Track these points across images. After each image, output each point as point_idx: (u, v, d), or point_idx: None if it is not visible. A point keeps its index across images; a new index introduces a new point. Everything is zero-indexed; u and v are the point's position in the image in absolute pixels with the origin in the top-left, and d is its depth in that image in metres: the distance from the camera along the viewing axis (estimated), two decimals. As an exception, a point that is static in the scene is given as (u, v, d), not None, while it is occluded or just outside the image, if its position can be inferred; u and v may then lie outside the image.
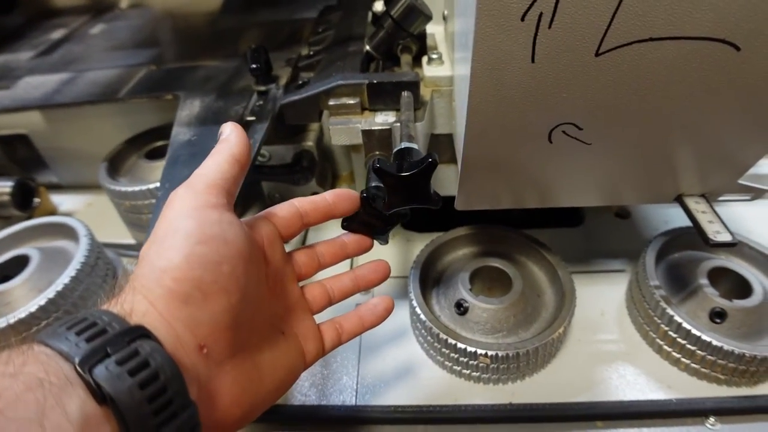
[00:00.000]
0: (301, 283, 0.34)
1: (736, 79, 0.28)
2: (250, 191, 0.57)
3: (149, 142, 0.57)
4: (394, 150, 0.32)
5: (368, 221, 0.35)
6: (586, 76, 0.27)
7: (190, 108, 0.46)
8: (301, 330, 0.33)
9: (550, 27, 0.25)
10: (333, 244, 0.35)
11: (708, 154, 0.33)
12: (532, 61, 0.26)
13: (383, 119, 0.39)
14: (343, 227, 0.36)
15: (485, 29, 0.25)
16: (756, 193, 0.40)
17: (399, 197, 0.31)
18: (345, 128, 0.39)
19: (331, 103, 0.39)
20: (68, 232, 0.48)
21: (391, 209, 0.32)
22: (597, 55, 0.26)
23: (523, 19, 0.25)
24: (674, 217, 0.55)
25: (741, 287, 0.44)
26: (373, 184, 0.33)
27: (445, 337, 0.39)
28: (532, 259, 0.46)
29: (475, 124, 0.30)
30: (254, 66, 0.43)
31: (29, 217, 0.59)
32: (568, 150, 0.32)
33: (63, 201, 0.67)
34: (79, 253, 0.44)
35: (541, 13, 0.24)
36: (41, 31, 0.75)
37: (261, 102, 0.46)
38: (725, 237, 0.35)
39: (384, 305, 0.35)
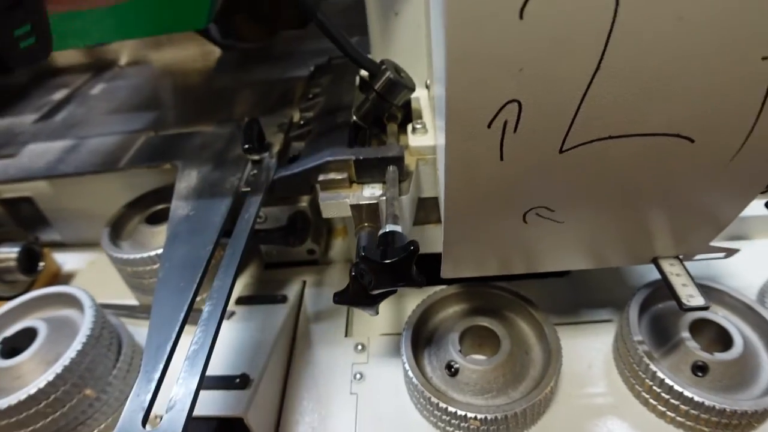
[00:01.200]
0: None
1: (693, 165, 0.30)
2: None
3: (150, 206, 0.59)
4: (379, 233, 0.35)
5: (358, 295, 0.37)
6: (553, 170, 0.29)
7: (187, 180, 0.49)
8: None
9: (515, 131, 0.27)
10: None
11: (675, 225, 0.35)
12: (501, 159, 0.29)
13: (370, 193, 0.41)
14: (335, 301, 0.38)
15: (455, 135, 0.27)
16: (728, 252, 0.42)
17: (384, 280, 0.33)
18: (335, 203, 0.41)
19: (321, 178, 0.42)
20: (73, 302, 0.50)
21: (377, 290, 0.34)
22: (561, 152, 0.29)
23: (489, 126, 0.27)
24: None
25: (723, 338, 0.45)
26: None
27: (436, 400, 0.40)
28: (520, 315, 0.48)
29: (452, 210, 0.33)
30: (247, 146, 0.45)
31: (34, 281, 0.62)
32: (543, 228, 0.34)
33: (66, 260, 0.69)
34: (85, 326, 0.46)
35: (506, 121, 0.27)
36: (44, 91, 0.79)
37: (255, 171, 0.48)
38: (698, 301, 0.37)
39: None
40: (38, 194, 0.64)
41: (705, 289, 0.48)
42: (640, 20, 0.23)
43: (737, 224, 0.60)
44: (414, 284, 0.33)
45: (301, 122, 0.52)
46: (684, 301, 0.37)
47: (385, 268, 0.32)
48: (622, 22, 0.23)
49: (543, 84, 0.25)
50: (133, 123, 0.62)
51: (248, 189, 0.46)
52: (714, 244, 0.40)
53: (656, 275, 0.50)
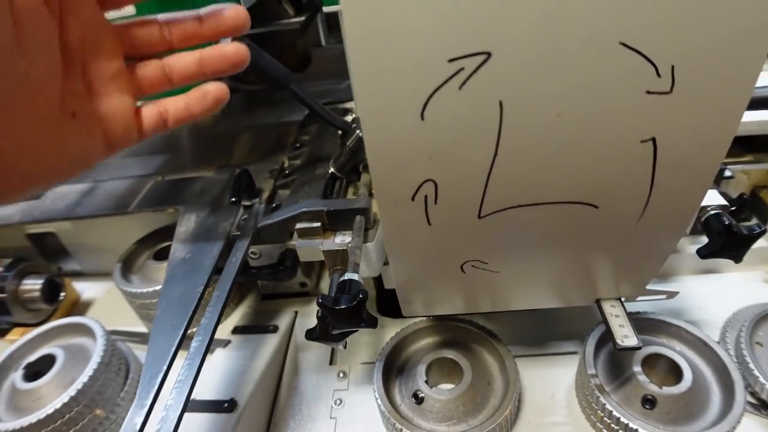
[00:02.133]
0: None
1: (603, 226, 0.35)
2: (245, 283, 0.67)
3: (157, 243, 0.67)
4: (339, 280, 0.41)
5: (324, 333, 0.43)
6: (476, 232, 0.35)
7: (186, 224, 0.56)
8: (108, 111, 0.31)
9: (435, 203, 0.33)
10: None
11: (603, 273, 0.40)
12: (429, 224, 0.34)
13: (341, 239, 0.48)
14: (306, 337, 0.44)
15: (386, 206, 0.33)
16: (669, 295, 0.46)
17: (339, 323, 0.39)
18: (309, 248, 0.48)
19: (298, 226, 0.48)
20: (88, 331, 0.57)
21: (335, 330, 0.40)
22: (480, 218, 0.34)
23: (413, 199, 0.33)
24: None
25: (675, 372, 0.49)
26: (327, 303, 0.41)
27: (400, 426, 0.46)
28: (485, 348, 0.53)
29: (396, 263, 0.38)
30: (233, 199, 0.52)
31: (56, 309, 0.70)
32: (482, 276, 0.40)
33: (85, 288, 0.77)
34: (96, 354, 0.53)
35: (426, 195, 0.33)
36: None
37: (246, 216, 0.55)
38: (632, 342, 0.42)
39: (214, 95, 0.34)
40: (60, 230, 0.73)
41: (664, 325, 0.53)
42: (524, 119, 0.29)
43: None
44: (367, 326, 0.39)
45: (287, 171, 0.59)
46: (618, 341, 0.42)
47: (338, 313, 0.38)
48: (508, 121, 0.29)
49: (450, 168, 0.31)
50: (145, 166, 0.71)
51: (238, 233, 0.53)
52: (652, 287, 0.44)
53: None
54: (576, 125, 0.29)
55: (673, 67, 0.27)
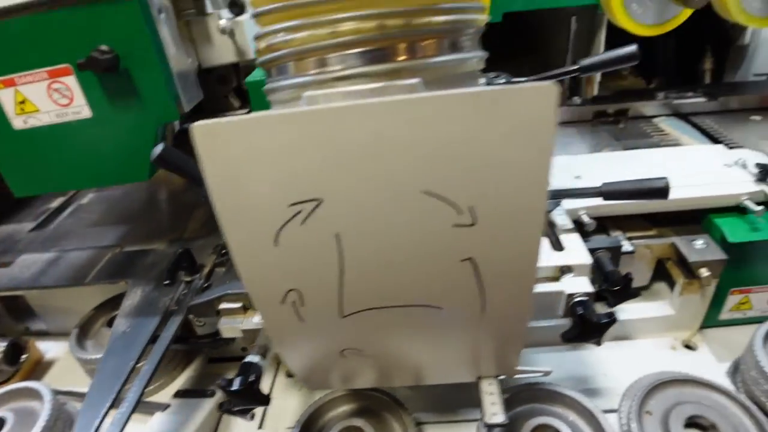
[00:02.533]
0: None
1: (453, 321, 0.42)
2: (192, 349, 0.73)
3: (113, 309, 0.74)
4: (243, 361, 0.48)
5: (232, 408, 0.50)
6: (343, 328, 0.42)
7: (132, 297, 0.63)
8: None
9: (303, 305, 0.40)
10: None
11: (471, 356, 0.47)
12: (300, 321, 0.41)
13: (258, 320, 0.55)
14: (218, 410, 0.51)
15: (262, 306, 0.41)
16: (545, 372, 0.52)
17: (236, 401, 0.46)
18: (230, 326, 0.55)
19: (221, 306, 0.56)
20: (37, 395, 0.64)
21: (237, 407, 0.47)
22: (343, 317, 0.41)
23: (283, 303, 0.40)
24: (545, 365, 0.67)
25: (562, 441, 0.55)
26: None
27: (302, 493, 0.52)
28: (394, 416, 0.60)
29: (285, 353, 0.45)
30: (166, 282, 0.60)
31: (17, 371, 0.77)
32: (361, 361, 0.46)
33: (50, 348, 0.84)
34: (41, 419, 0.60)
35: (294, 300, 0.40)
36: (43, 199, 0.97)
37: (186, 291, 0.62)
38: (498, 419, 0.48)
39: None
40: (28, 294, 0.81)
41: (559, 395, 0.59)
42: (358, 246, 0.36)
43: (619, 326, 0.70)
44: (261, 404, 0.46)
45: (223, 251, 0.66)
46: (487, 418, 0.48)
47: (233, 394, 0.44)
48: (347, 247, 0.36)
49: (308, 281, 0.38)
50: (107, 237, 0.79)
51: (176, 308, 0.60)
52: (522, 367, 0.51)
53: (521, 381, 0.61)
54: (402, 251, 0.37)
55: (472, 207, 0.35)
